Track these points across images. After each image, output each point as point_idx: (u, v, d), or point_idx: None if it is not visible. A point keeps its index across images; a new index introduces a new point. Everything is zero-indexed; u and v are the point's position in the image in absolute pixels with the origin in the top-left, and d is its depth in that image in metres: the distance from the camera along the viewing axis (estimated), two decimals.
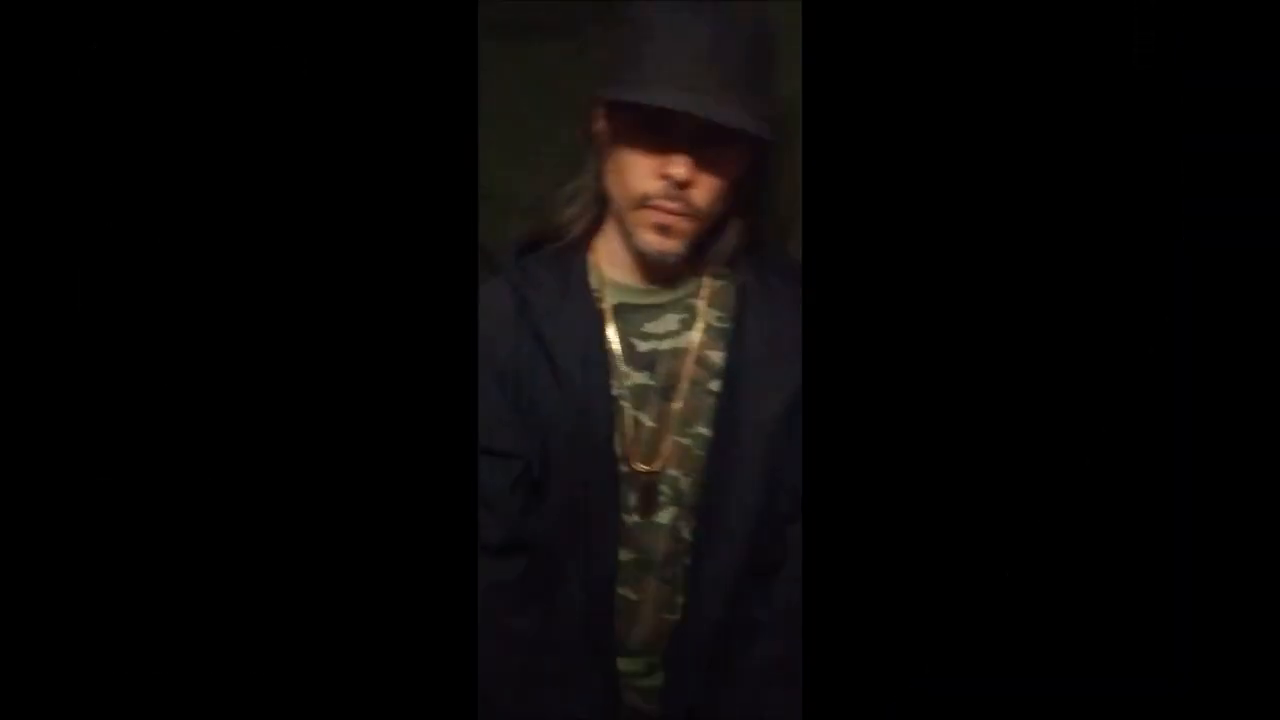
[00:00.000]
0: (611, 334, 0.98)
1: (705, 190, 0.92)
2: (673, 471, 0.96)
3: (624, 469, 0.96)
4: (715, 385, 0.97)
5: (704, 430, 0.96)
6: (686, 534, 0.96)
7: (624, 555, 0.96)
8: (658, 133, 0.90)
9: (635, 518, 0.96)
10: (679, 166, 0.89)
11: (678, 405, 0.96)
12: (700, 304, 0.99)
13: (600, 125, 0.95)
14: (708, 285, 1.00)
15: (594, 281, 0.99)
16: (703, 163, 0.90)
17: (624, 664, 0.99)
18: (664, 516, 0.96)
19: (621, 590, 0.96)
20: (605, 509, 0.95)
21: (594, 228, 1.00)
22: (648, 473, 0.96)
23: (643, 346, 0.98)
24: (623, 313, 0.99)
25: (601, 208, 0.99)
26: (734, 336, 0.98)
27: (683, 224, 0.92)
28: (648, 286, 0.99)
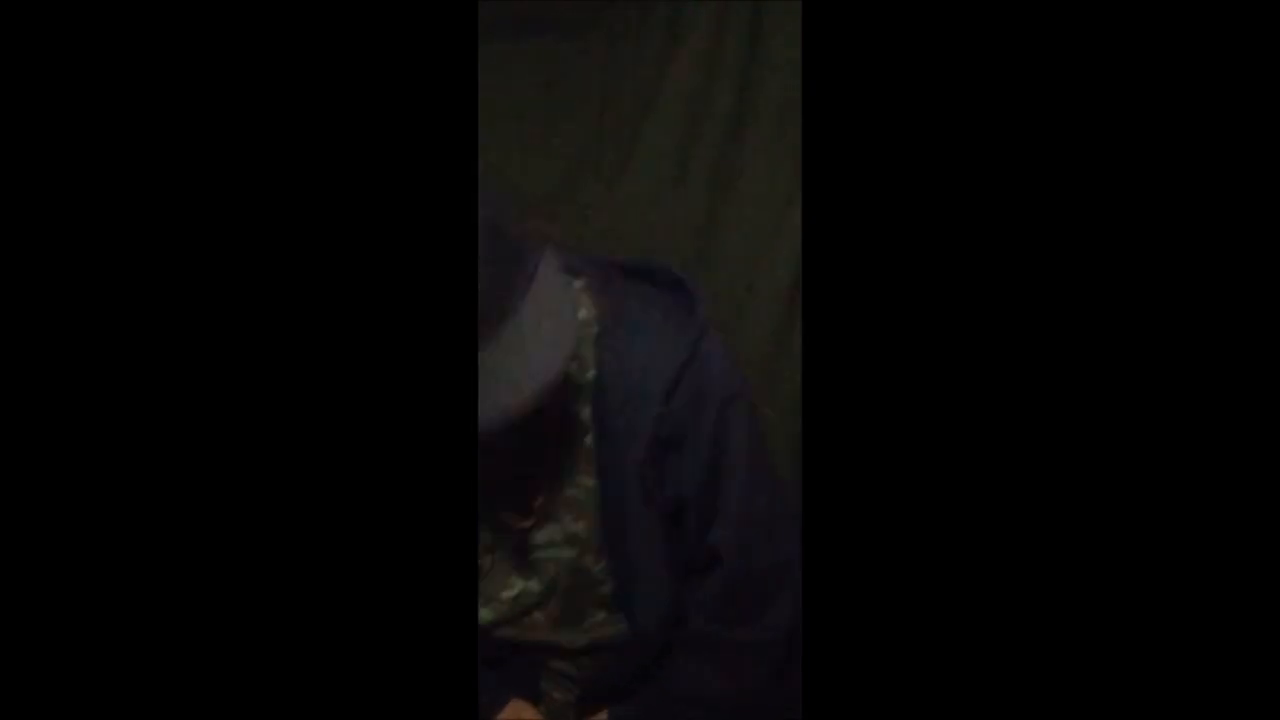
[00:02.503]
0: None
1: None
2: (565, 515, 0.97)
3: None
4: (588, 440, 0.95)
5: (587, 481, 0.96)
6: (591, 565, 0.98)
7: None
8: None
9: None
10: None
11: (559, 459, 0.95)
12: None
13: None
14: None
15: None
16: None
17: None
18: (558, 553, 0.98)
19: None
20: None
21: None
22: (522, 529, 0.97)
23: None
24: None
25: None
26: (595, 387, 0.94)
27: None
28: None
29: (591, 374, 0.94)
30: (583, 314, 0.95)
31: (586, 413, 0.95)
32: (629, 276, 1.00)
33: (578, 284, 0.95)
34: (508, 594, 0.99)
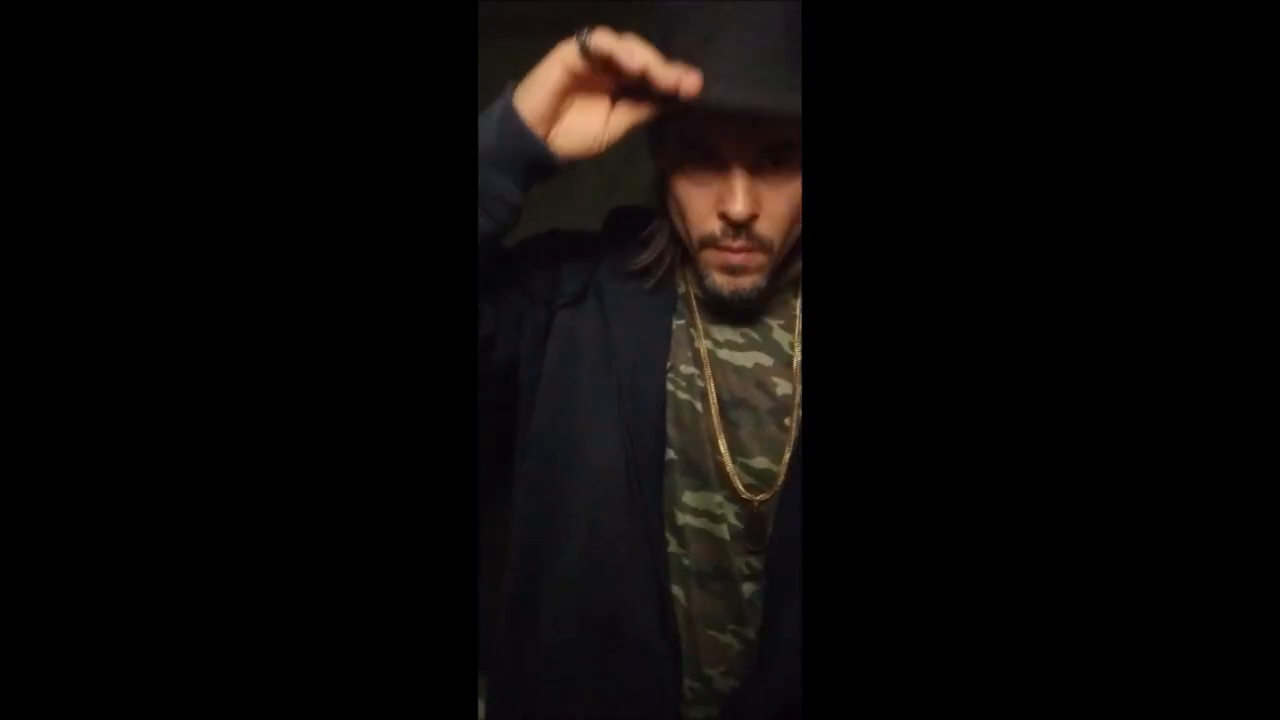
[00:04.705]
0: (680, 323, 0.92)
1: (772, 221, 0.83)
2: (715, 486, 0.90)
3: (673, 456, 0.90)
4: (787, 421, 0.89)
5: (766, 464, 0.90)
6: (752, 565, 0.90)
7: (675, 550, 0.90)
8: (711, 164, 0.82)
9: (689, 519, 0.90)
10: (737, 204, 0.81)
11: (735, 428, 0.89)
12: (776, 326, 0.92)
13: (656, 159, 0.88)
14: (797, 309, 0.92)
15: (684, 321, 0.93)
16: (765, 191, 0.82)
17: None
18: (724, 531, 0.90)
19: (674, 589, 0.90)
20: (650, 493, 0.89)
21: (678, 261, 0.94)
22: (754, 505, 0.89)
23: (719, 354, 0.92)
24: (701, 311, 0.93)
25: (678, 244, 0.91)
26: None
27: (754, 260, 0.85)
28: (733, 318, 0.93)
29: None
30: None
31: (789, 390, 0.90)
32: None
33: None
34: (675, 554, 0.90)
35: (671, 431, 0.90)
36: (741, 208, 0.81)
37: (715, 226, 0.84)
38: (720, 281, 0.86)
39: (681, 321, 0.93)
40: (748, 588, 0.90)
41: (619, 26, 1.23)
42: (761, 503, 0.89)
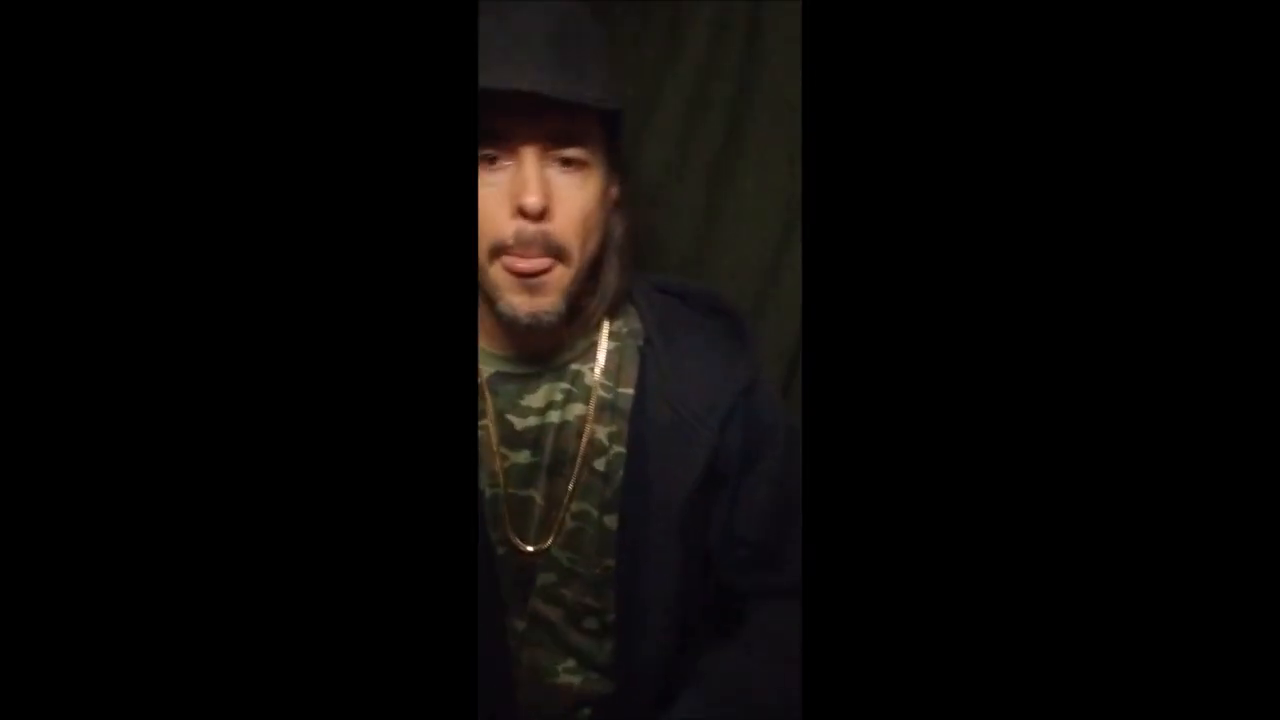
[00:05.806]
0: (483, 433, 0.89)
1: (566, 225, 0.81)
2: (561, 552, 0.91)
3: (502, 550, 0.91)
4: (599, 464, 0.90)
5: (591, 509, 0.90)
6: (594, 621, 0.92)
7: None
8: (500, 162, 0.81)
9: (540, 604, 0.92)
10: (530, 193, 0.78)
11: (567, 484, 0.90)
12: (587, 370, 0.91)
13: None
14: (600, 348, 0.91)
15: None
16: (558, 190, 0.81)
17: None
18: (567, 590, 0.92)
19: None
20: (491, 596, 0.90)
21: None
22: (532, 553, 0.91)
23: (521, 424, 0.89)
24: (496, 386, 0.89)
25: None
26: (634, 405, 0.90)
27: (551, 274, 0.82)
28: (525, 356, 0.89)
29: (630, 391, 0.90)
30: (632, 325, 0.92)
31: (606, 432, 0.90)
32: (666, 295, 0.96)
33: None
34: (514, 625, 0.92)
35: (515, 538, 0.90)
36: (535, 195, 0.78)
37: (508, 231, 0.80)
38: (516, 303, 0.82)
39: (483, 428, 0.90)
40: (590, 622, 0.93)
41: (619, 26, 1.23)
42: (574, 546, 0.91)
